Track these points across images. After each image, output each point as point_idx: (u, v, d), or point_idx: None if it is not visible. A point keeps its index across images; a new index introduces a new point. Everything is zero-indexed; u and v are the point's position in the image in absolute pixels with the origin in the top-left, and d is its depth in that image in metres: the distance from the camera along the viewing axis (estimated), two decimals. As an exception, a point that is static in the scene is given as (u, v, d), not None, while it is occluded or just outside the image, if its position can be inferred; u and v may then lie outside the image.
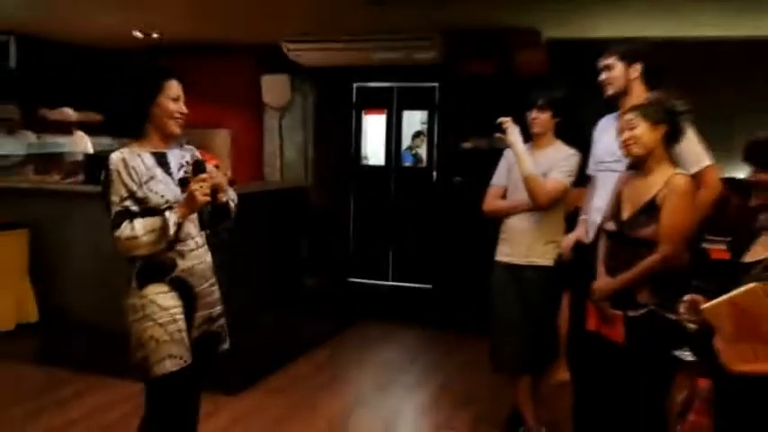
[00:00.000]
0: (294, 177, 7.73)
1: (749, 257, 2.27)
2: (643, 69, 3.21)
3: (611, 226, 2.95)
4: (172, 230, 2.53)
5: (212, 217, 2.78)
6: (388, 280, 7.49)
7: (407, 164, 7.51)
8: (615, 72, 3.23)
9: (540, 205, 3.54)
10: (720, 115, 5.29)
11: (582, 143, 3.65)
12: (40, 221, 5.79)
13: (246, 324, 5.75)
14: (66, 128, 7.00)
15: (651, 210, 2.79)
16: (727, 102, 5.81)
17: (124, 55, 7.85)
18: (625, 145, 2.88)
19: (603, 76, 3.27)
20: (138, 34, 6.95)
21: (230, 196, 2.81)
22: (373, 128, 7.59)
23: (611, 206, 2.99)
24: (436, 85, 7.15)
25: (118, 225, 2.52)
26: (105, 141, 7.08)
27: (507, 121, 3.56)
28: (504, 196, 3.75)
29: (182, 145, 2.84)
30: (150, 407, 2.70)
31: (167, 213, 2.54)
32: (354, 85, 7.52)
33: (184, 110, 2.68)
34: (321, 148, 7.71)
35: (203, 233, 2.77)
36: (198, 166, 2.64)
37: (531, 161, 3.52)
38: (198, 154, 2.82)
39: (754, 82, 5.92)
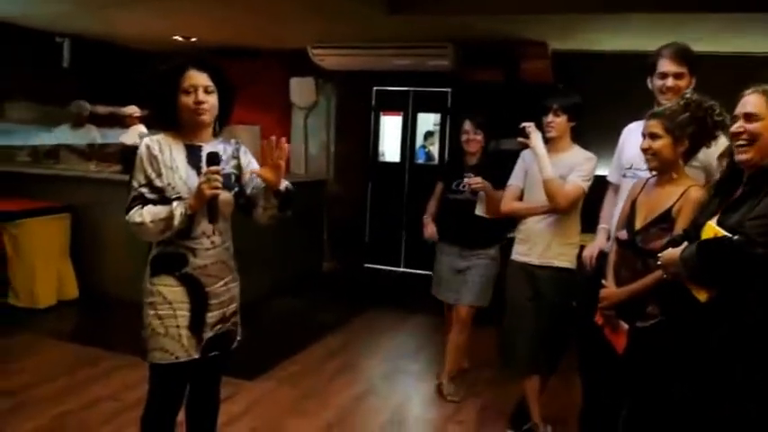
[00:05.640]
0: (317, 171, 7.21)
1: None
2: None
3: (623, 235, 2.40)
4: (177, 221, 2.13)
5: (275, 200, 2.27)
6: (400, 266, 7.01)
7: (420, 161, 7.00)
8: None
9: (560, 208, 3.01)
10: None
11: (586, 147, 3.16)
12: (82, 206, 5.32)
13: (266, 308, 5.29)
14: (117, 122, 6.55)
15: (665, 222, 2.25)
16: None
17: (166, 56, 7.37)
18: (644, 154, 2.35)
19: None
20: (179, 38, 6.46)
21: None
22: (390, 128, 7.08)
23: (626, 214, 2.45)
24: (449, 90, 6.66)
25: (130, 209, 2.18)
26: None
27: (531, 126, 3.03)
28: (520, 197, 3.23)
29: (230, 141, 2.38)
30: (149, 389, 2.33)
31: (174, 204, 2.15)
32: (374, 88, 7.02)
33: (200, 98, 2.17)
34: (342, 145, 7.18)
35: (225, 234, 2.31)
36: (211, 159, 2.17)
37: (550, 165, 3.00)
38: (245, 153, 2.40)
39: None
